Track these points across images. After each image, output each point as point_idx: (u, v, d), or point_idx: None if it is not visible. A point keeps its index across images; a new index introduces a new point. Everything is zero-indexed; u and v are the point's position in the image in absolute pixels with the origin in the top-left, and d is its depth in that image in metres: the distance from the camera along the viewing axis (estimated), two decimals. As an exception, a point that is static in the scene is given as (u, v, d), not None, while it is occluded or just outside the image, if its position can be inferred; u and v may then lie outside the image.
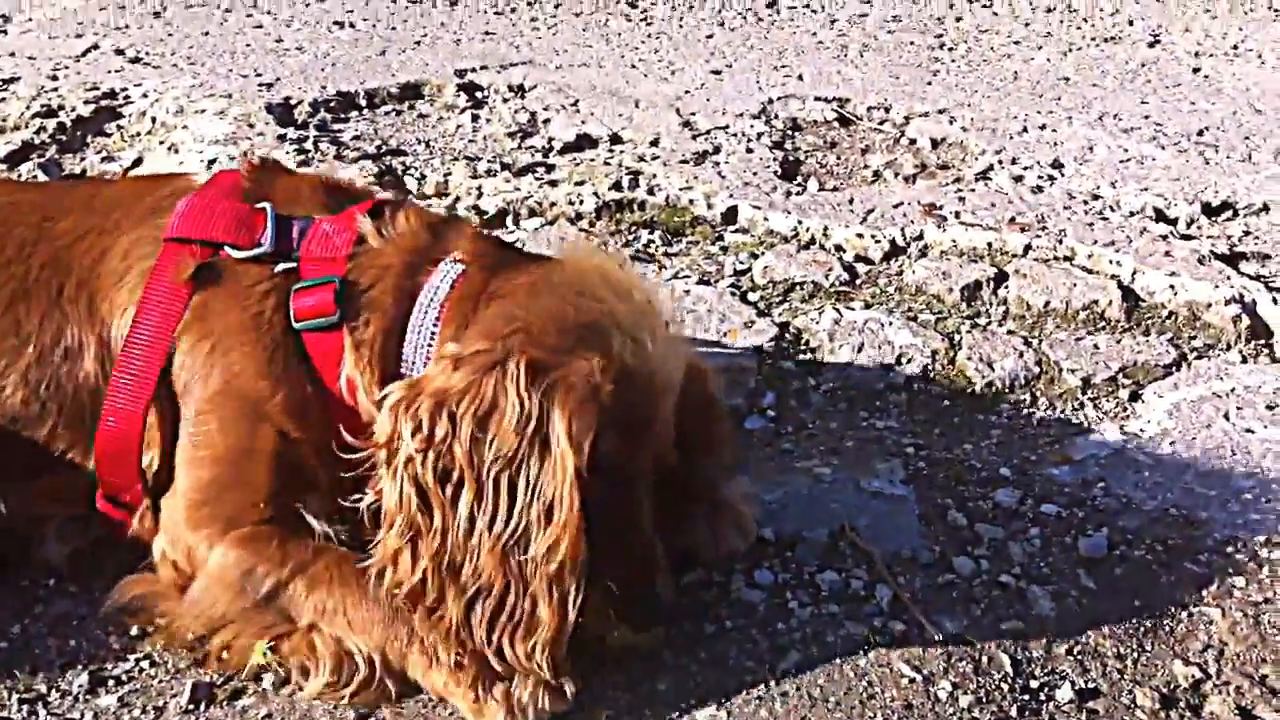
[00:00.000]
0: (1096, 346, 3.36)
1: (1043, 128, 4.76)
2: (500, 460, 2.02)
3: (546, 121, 4.54)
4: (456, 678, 2.10)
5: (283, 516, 2.21)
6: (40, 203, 2.43)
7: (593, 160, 4.23)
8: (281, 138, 4.20)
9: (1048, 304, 3.52)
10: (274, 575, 2.16)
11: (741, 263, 3.68)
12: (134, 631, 2.27)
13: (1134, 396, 3.19)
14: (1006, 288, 3.59)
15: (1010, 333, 3.41)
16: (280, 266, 2.29)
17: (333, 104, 4.54)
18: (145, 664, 2.24)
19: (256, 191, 2.40)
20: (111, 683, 2.20)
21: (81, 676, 2.21)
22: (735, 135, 4.48)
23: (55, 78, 4.64)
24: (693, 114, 4.65)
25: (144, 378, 2.24)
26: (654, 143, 4.37)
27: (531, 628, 2.07)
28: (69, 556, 2.40)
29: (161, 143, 4.21)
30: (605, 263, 2.30)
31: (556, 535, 2.03)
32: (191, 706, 2.15)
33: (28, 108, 4.32)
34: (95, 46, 5.06)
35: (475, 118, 4.56)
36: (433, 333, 2.24)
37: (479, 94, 4.75)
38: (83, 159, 4.16)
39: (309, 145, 4.18)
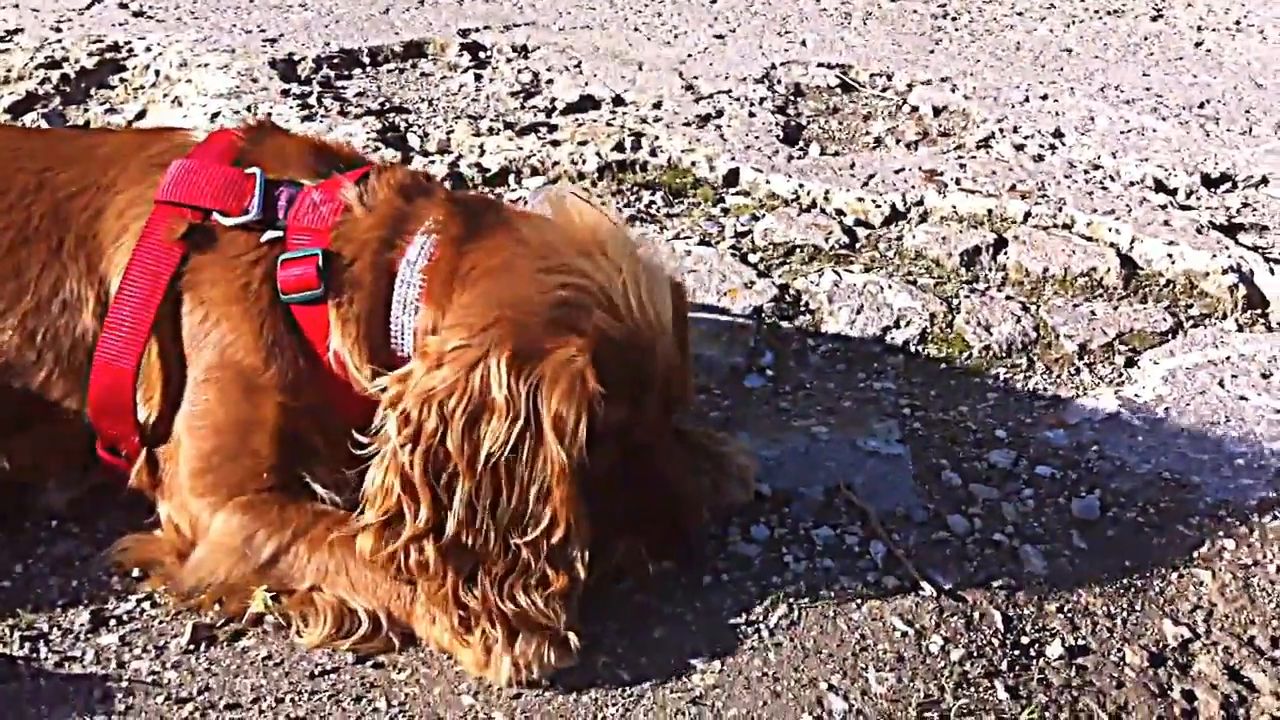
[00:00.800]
0: (1094, 313, 3.38)
1: (1044, 98, 4.76)
2: (494, 455, 2.04)
3: (549, 82, 4.54)
4: (461, 635, 2.13)
5: (284, 483, 2.24)
6: (43, 151, 2.43)
7: (595, 121, 4.23)
8: (285, 93, 4.20)
9: (1046, 270, 3.53)
10: (275, 539, 2.19)
11: (742, 225, 3.69)
12: (135, 573, 2.30)
13: (1130, 363, 3.21)
14: (1006, 254, 3.61)
15: (1009, 298, 3.43)
16: (267, 235, 2.29)
17: (336, 61, 4.53)
18: (146, 604, 2.27)
19: (249, 154, 2.39)
20: (113, 622, 2.23)
21: (83, 615, 2.24)
22: (738, 99, 4.48)
23: (59, 30, 4.63)
24: (695, 77, 4.65)
25: (134, 334, 2.25)
26: (657, 105, 4.38)
27: (544, 584, 2.10)
28: (70, 503, 2.43)
29: (165, 95, 4.21)
30: (575, 218, 2.27)
31: (553, 520, 2.07)
32: (192, 646, 2.18)
33: (31, 59, 4.31)
34: (100, 0, 5.05)
35: (478, 77, 4.55)
36: (416, 309, 2.24)
37: (482, 54, 4.75)
38: (86, 110, 4.16)
39: (312, 101, 4.18)
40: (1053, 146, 4.29)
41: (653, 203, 3.79)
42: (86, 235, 2.32)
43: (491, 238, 2.26)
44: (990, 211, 3.80)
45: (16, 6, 4.92)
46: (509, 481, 2.05)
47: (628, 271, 2.19)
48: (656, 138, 4.12)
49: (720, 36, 5.14)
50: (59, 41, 4.49)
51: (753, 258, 3.54)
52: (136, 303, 2.25)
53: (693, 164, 4.00)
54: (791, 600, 2.37)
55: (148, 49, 4.48)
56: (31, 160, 2.39)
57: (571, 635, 2.12)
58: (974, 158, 4.16)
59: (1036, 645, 2.34)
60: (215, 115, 3.96)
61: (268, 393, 2.24)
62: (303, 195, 2.32)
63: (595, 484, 2.13)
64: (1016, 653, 2.31)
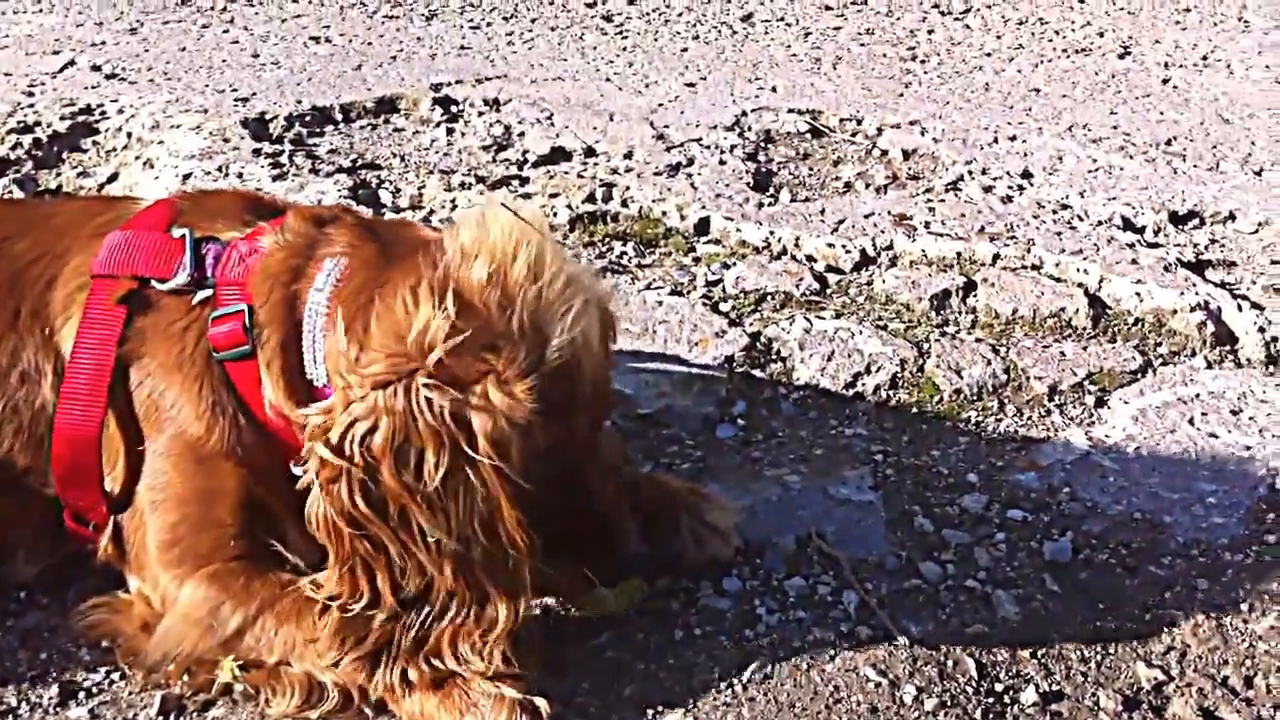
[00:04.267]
0: (1064, 354, 3.39)
1: (1013, 138, 4.81)
2: (427, 483, 2.01)
3: (521, 135, 4.57)
4: (432, 707, 2.11)
5: (251, 552, 2.22)
6: (3, 218, 2.44)
7: (566, 173, 4.26)
8: (257, 152, 4.22)
9: (1015, 312, 3.55)
10: (241, 612, 2.17)
11: (713, 273, 3.70)
12: (105, 644, 2.28)
13: (1100, 403, 3.22)
14: (975, 296, 3.63)
15: (979, 341, 3.44)
16: (198, 296, 2.29)
17: (308, 118, 4.56)
18: (115, 676, 2.25)
19: (182, 218, 2.39)
20: (82, 695, 2.21)
21: (52, 689, 2.22)
22: (708, 147, 4.51)
23: (31, 94, 4.65)
24: (666, 126, 4.68)
25: (91, 407, 2.24)
26: (628, 155, 4.40)
27: (488, 624, 2.09)
28: (39, 574, 2.41)
29: (137, 158, 4.22)
30: (495, 232, 2.14)
31: (498, 539, 2.05)
32: (160, 718, 2.16)
33: (3, 124, 4.33)
34: (72, 63, 5.07)
35: (450, 131, 4.58)
36: (325, 334, 2.20)
37: (454, 108, 4.78)
38: (59, 174, 4.17)
39: (284, 160, 4.19)
40: (1021, 187, 4.32)
41: (624, 253, 3.81)
42: (39, 306, 2.32)
43: (407, 259, 2.20)
44: (959, 254, 3.82)
45: (-11, 71, 4.95)
46: (446, 509, 2.02)
47: (552, 288, 2.12)
48: (628, 188, 4.14)
49: (691, 85, 5.18)
50: (31, 105, 4.51)
51: (724, 306, 3.55)
52: (88, 375, 2.25)
53: (664, 213, 4.02)
54: (764, 654, 2.36)
55: (120, 111, 4.50)
56: None
57: (541, 702, 2.10)
58: (943, 200, 4.19)
59: (1011, 692, 2.33)
60: (187, 176, 3.98)
61: (219, 461, 2.23)
62: (229, 249, 2.32)
63: (530, 508, 2.09)
64: (991, 700, 2.31)
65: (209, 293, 2.28)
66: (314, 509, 2.07)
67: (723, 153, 4.47)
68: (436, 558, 2.06)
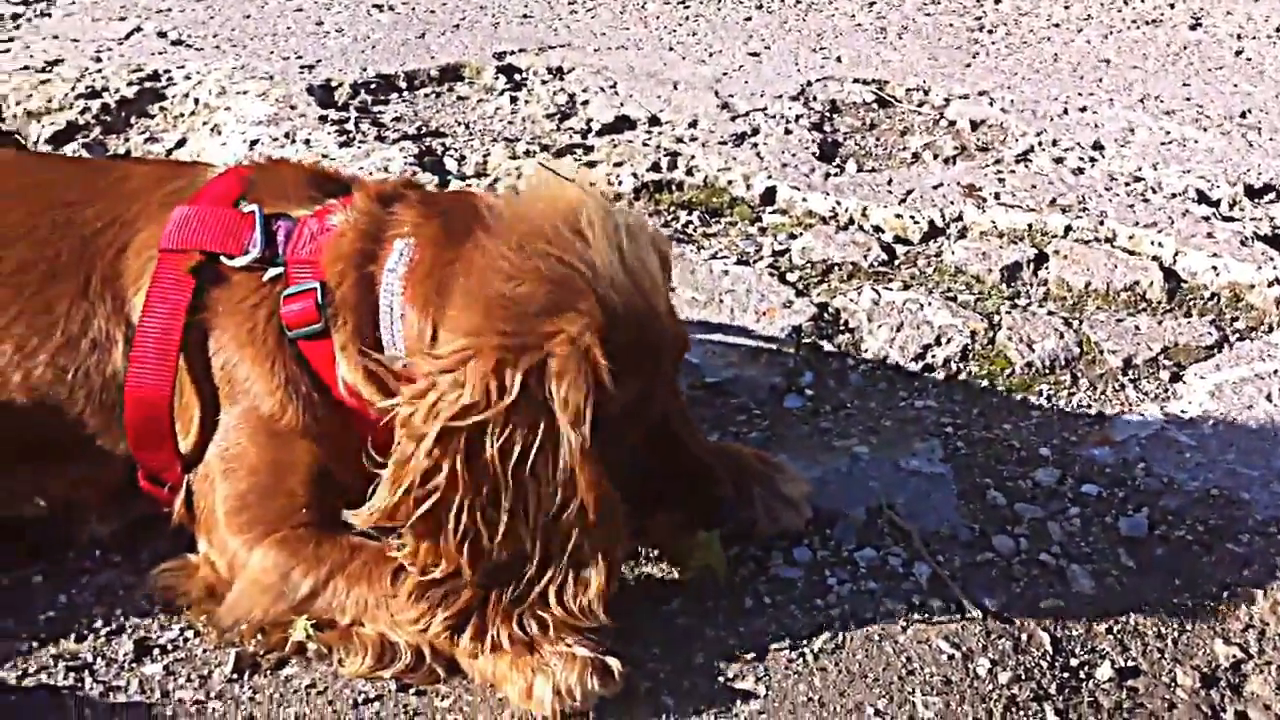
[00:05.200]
0: (1138, 328, 3.34)
1: (1083, 110, 4.73)
2: (511, 457, 2.01)
3: (585, 103, 4.54)
4: (504, 666, 2.11)
5: (320, 519, 2.23)
6: (72, 183, 2.45)
7: (631, 141, 4.23)
8: (323, 119, 4.22)
9: (1089, 285, 3.50)
10: (312, 576, 2.18)
11: (780, 243, 3.67)
12: (180, 601, 2.29)
13: (1175, 378, 3.17)
14: (1047, 269, 3.58)
15: (1050, 313, 3.40)
16: (269, 274, 2.29)
17: (373, 86, 4.56)
18: (189, 633, 2.27)
19: (251, 191, 2.39)
20: (156, 651, 2.23)
21: (127, 645, 2.24)
22: (773, 117, 4.47)
23: (99, 59, 4.68)
24: (731, 96, 4.64)
25: (162, 372, 2.26)
26: (692, 124, 4.37)
27: (584, 585, 2.10)
28: (112, 534, 2.44)
29: (205, 124, 4.24)
30: (548, 195, 2.17)
31: (583, 509, 2.06)
32: (235, 675, 2.18)
33: (72, 89, 4.35)
34: (138, 29, 5.09)
35: (514, 100, 4.56)
36: (403, 316, 2.22)
37: (517, 76, 4.76)
38: (127, 140, 4.19)
39: (350, 127, 4.19)
40: (1093, 159, 4.25)
41: (689, 222, 3.78)
42: (110, 275, 2.33)
43: (470, 233, 2.20)
44: (1030, 226, 3.77)
45: (56, 38, 4.97)
46: (533, 482, 2.03)
47: (613, 239, 2.12)
48: (692, 157, 4.11)
49: (755, 54, 5.13)
50: (99, 71, 4.53)
51: (790, 276, 3.52)
52: (157, 338, 2.26)
53: (729, 183, 3.99)
54: (836, 623, 2.34)
55: (186, 77, 4.52)
56: (62, 193, 2.41)
57: (614, 661, 2.11)
58: (1013, 172, 4.13)
59: (1086, 667, 2.30)
60: (254, 142, 3.99)
61: (292, 436, 2.25)
62: (300, 227, 2.32)
63: (621, 465, 2.11)
64: (1066, 675, 2.28)
65: (280, 270, 2.29)
66: (395, 489, 2.07)
67: (788, 122, 4.43)
68: (528, 526, 2.06)
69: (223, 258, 2.30)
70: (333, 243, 2.29)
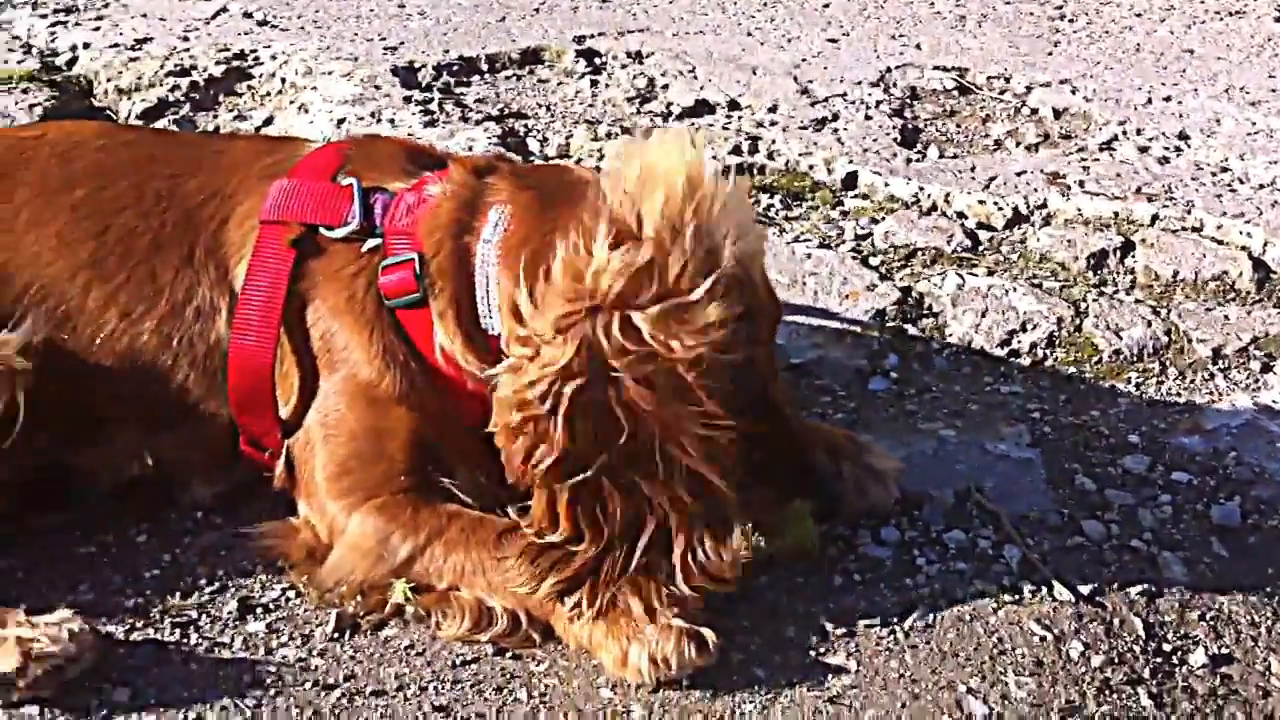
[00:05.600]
0: (1227, 317, 3.31)
1: (1167, 99, 4.68)
2: (625, 421, 2.03)
3: (665, 87, 4.55)
4: (600, 634, 2.13)
5: (419, 485, 2.27)
6: (174, 156, 2.50)
7: (711, 125, 4.24)
8: (407, 99, 4.26)
9: (1176, 274, 3.47)
10: (411, 541, 2.21)
11: (862, 227, 3.67)
12: (281, 563, 2.34)
13: (1266, 368, 3.14)
14: (1133, 257, 3.55)
15: (1138, 302, 3.37)
16: (367, 245, 2.34)
17: (455, 68, 4.59)
18: (291, 594, 2.31)
19: (348, 166, 2.44)
20: (259, 610, 2.28)
21: (231, 604, 2.28)
22: (853, 103, 4.46)
23: (186, 39, 4.74)
24: (810, 81, 4.64)
25: (264, 339, 2.31)
26: (772, 109, 4.37)
27: (720, 547, 2.12)
28: (215, 497, 2.49)
29: (292, 102, 4.29)
30: (647, 162, 2.15)
31: (706, 465, 2.07)
32: (337, 635, 2.21)
33: (161, 67, 4.42)
34: (224, 9, 5.16)
35: (594, 83, 4.58)
36: (497, 284, 2.25)
37: (597, 60, 4.78)
38: (215, 117, 4.26)
39: (434, 107, 4.23)
40: (1178, 149, 4.21)
41: (771, 205, 3.79)
42: (214, 246, 2.38)
43: (568, 203, 2.23)
44: (1116, 214, 3.74)
45: (145, 16, 5.04)
46: (652, 446, 2.05)
47: (720, 208, 2.12)
48: (773, 141, 4.11)
49: (834, 40, 5.12)
50: (187, 50, 4.60)
51: (873, 260, 3.51)
52: (260, 307, 2.31)
53: (810, 167, 3.99)
54: (926, 603, 2.34)
55: (273, 57, 4.57)
56: (165, 166, 2.46)
57: (708, 632, 2.12)
58: (1097, 160, 4.10)
59: (1179, 653, 2.29)
60: (341, 121, 4.03)
61: (391, 403, 2.28)
62: (397, 199, 2.37)
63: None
64: (1159, 660, 2.27)
65: (378, 241, 2.33)
66: (515, 459, 2.10)
67: (868, 108, 4.41)
68: (642, 493, 2.08)
69: (322, 229, 2.34)
70: (430, 213, 2.33)
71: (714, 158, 3.95)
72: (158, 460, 2.40)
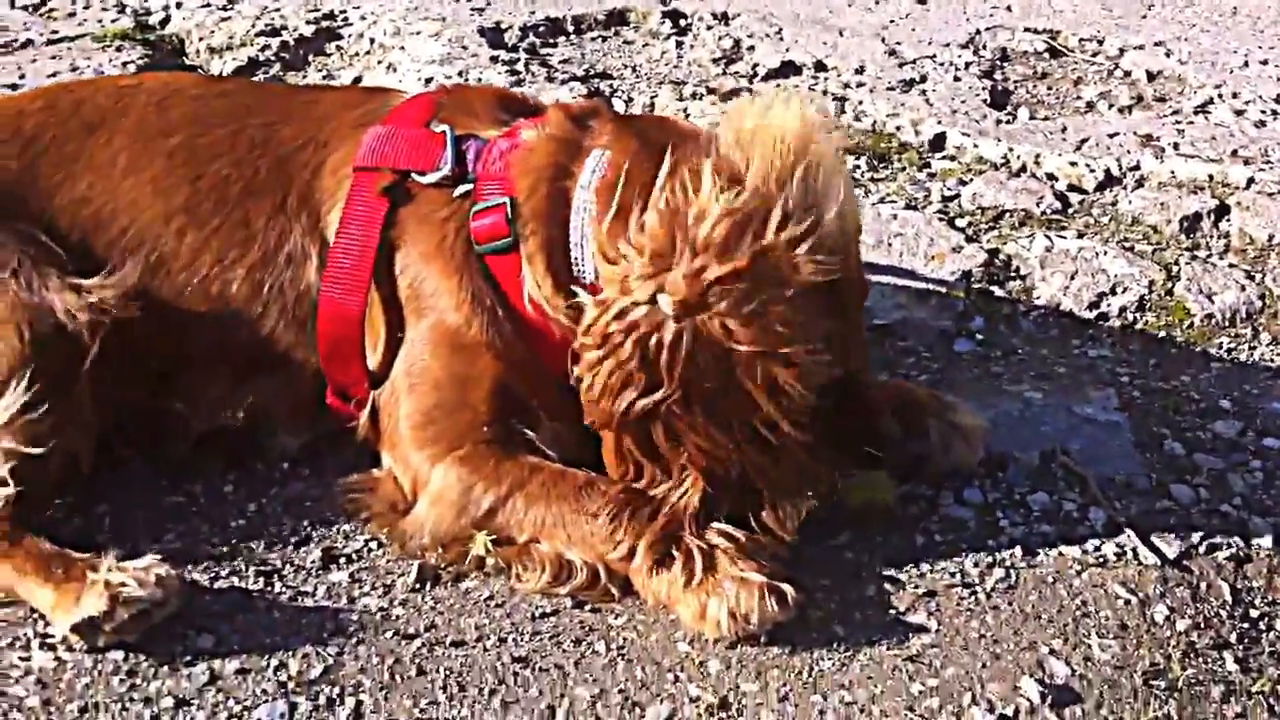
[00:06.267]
0: (1324, 282, 3.23)
1: (1264, 63, 4.55)
2: (717, 369, 2.04)
3: (750, 49, 4.52)
4: (679, 588, 2.13)
5: (502, 437, 2.28)
6: (268, 105, 2.52)
7: (797, 86, 4.20)
8: (494, 59, 4.27)
9: (1272, 238, 3.39)
10: (493, 492, 2.22)
11: (949, 189, 3.62)
12: (364, 515, 2.37)
13: (1363, 334, 3.06)
14: (1228, 220, 3.47)
15: (1232, 266, 3.30)
16: (459, 190, 2.33)
17: (541, 29, 4.59)
18: (373, 545, 2.34)
19: (440, 114, 2.44)
20: (342, 560, 2.31)
21: (314, 553, 2.32)
22: (942, 64, 4.40)
23: (276, -1, 4.79)
24: (898, 43, 4.57)
25: (355, 288, 2.33)
26: (859, 70, 4.32)
27: (798, 505, 2.14)
28: (300, 447, 2.52)
29: (380, 62, 4.32)
30: (764, 120, 2.14)
31: (788, 418, 2.08)
32: (418, 585, 2.24)
33: (252, 26, 4.47)
34: (313, -28, 5.20)
35: (679, 44, 4.56)
36: (593, 230, 2.23)
37: (682, 21, 4.75)
38: (305, 76, 4.30)
39: (520, 67, 4.23)
40: (1275, 112, 4.10)
41: (857, 166, 3.75)
42: (307, 193, 2.40)
43: (670, 152, 2.19)
44: (1211, 177, 3.65)
45: (236, -23, 5.10)
46: (740, 396, 2.05)
47: (821, 168, 2.12)
48: (860, 102, 4.07)
49: (923, 2, 5.04)
50: (277, 10, 4.64)
51: (960, 222, 3.47)
52: (352, 258, 2.33)
53: (897, 128, 3.94)
54: (1008, 564, 2.32)
55: (362, 18, 4.60)
56: (259, 114, 2.48)
57: (788, 588, 2.12)
58: (1191, 123, 4.00)
59: (1266, 619, 2.26)
60: (429, 80, 4.05)
61: (477, 350, 2.29)
62: (490, 145, 2.36)
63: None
64: (1245, 625, 2.24)
65: (469, 187, 2.33)
66: (594, 393, 2.11)
67: (957, 70, 4.35)
68: (725, 444, 2.08)
69: (413, 174, 2.35)
70: (523, 157, 2.33)
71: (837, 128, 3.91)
72: (246, 408, 2.44)
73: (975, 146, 3.81)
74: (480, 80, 4.06)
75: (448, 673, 2.07)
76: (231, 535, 2.36)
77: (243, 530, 2.37)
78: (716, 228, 2.03)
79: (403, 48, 4.35)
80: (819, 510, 2.23)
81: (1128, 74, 4.44)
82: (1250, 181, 3.63)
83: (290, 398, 2.46)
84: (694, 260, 2.02)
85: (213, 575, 2.26)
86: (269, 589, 2.24)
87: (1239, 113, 4.09)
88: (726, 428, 2.07)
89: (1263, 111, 4.10)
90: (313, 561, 2.30)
